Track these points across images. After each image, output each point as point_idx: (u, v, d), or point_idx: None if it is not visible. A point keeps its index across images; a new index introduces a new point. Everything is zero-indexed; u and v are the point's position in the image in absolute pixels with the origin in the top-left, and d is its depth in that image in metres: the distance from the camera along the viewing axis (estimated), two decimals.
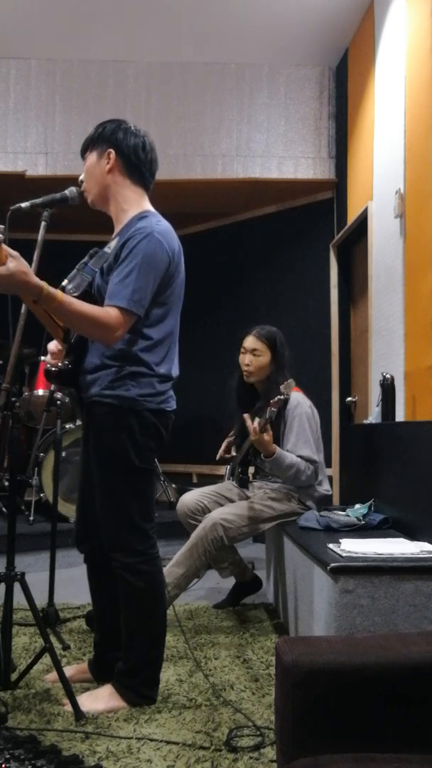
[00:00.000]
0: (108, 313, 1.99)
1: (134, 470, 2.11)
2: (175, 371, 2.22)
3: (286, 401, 2.88)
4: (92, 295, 2.14)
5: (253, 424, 2.89)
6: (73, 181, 2.28)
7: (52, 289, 1.90)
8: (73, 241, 5.29)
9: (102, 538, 2.16)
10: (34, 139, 5.09)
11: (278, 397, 2.81)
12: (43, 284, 1.89)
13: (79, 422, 4.42)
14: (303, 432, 3.05)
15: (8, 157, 5.06)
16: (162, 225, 2.13)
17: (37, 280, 1.88)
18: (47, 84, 5.10)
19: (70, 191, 2.18)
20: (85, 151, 2.26)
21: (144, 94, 5.13)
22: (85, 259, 2.26)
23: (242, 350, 3.24)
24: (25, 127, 5.09)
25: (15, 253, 1.84)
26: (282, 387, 2.83)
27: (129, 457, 2.09)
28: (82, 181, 2.24)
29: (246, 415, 2.96)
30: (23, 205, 2.09)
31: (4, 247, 1.81)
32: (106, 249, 2.19)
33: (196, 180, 5.11)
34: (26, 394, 4.82)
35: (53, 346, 2.29)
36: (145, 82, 5.13)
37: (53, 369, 2.20)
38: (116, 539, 2.13)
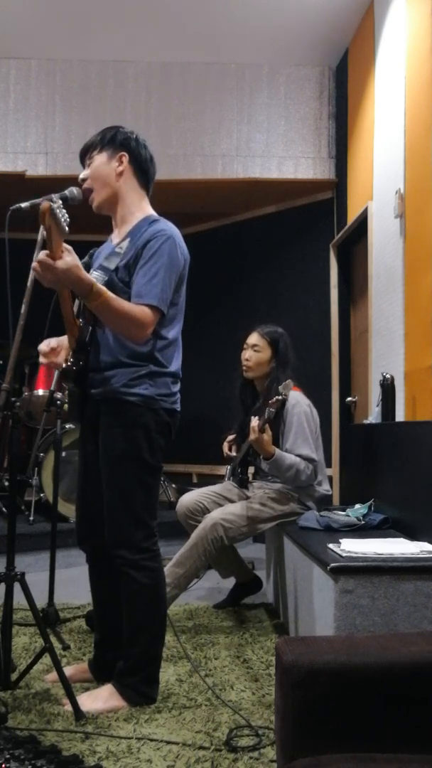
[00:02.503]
0: (143, 311, 2.04)
1: (146, 467, 2.14)
2: (180, 370, 2.26)
3: (284, 402, 2.88)
4: None
5: (252, 423, 2.89)
6: (73, 181, 2.27)
7: (100, 286, 1.96)
8: (73, 241, 5.28)
9: (106, 534, 2.16)
10: (34, 139, 5.09)
11: (276, 397, 2.81)
12: (93, 280, 1.94)
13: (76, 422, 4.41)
14: (302, 431, 3.05)
15: (8, 157, 5.06)
16: (176, 230, 2.20)
17: (87, 275, 1.93)
18: (47, 84, 5.10)
19: (70, 191, 2.18)
20: (85, 154, 2.25)
21: (144, 94, 5.13)
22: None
23: (244, 346, 3.27)
24: (25, 127, 5.09)
25: (69, 247, 1.89)
26: (280, 387, 2.83)
27: (142, 454, 2.12)
28: (83, 180, 2.24)
29: (254, 420, 2.95)
30: (23, 205, 2.09)
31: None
32: (117, 249, 2.20)
33: (196, 180, 5.10)
34: (26, 394, 4.82)
35: (45, 346, 2.26)
36: (145, 82, 5.13)
37: (73, 368, 2.16)
38: (122, 535, 2.13)
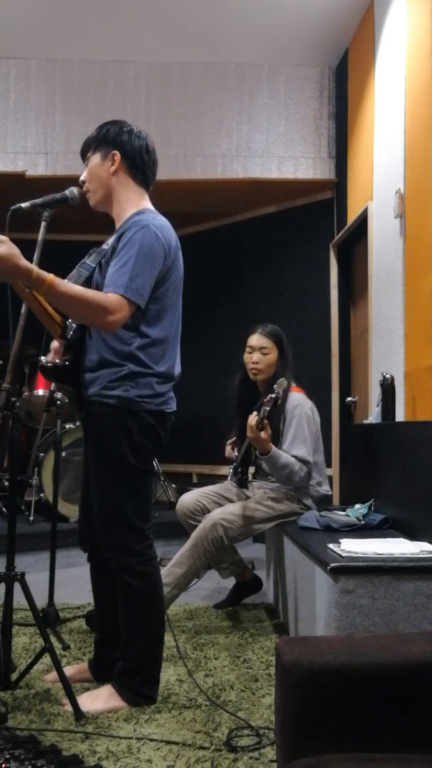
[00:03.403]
0: (106, 296, 1.98)
1: (131, 470, 2.11)
2: (177, 370, 2.22)
3: (276, 400, 2.87)
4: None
5: (249, 420, 2.89)
6: (73, 181, 2.27)
7: (42, 272, 1.88)
8: (73, 241, 5.29)
9: (98, 538, 2.16)
10: (34, 139, 5.09)
11: (270, 395, 2.80)
12: (33, 267, 1.87)
13: (78, 422, 4.41)
14: (300, 432, 3.05)
15: (8, 157, 5.06)
16: (159, 219, 2.14)
17: (26, 263, 1.86)
18: (47, 84, 5.10)
19: (71, 191, 2.18)
20: (85, 152, 2.25)
21: (144, 94, 5.13)
22: (85, 259, 2.27)
23: (248, 349, 3.24)
24: (25, 127, 5.09)
25: (4, 237, 1.84)
26: (275, 386, 2.83)
27: (126, 457, 2.10)
28: (83, 182, 2.24)
29: (251, 416, 2.94)
30: (23, 205, 2.09)
31: None
32: (104, 246, 2.20)
33: (196, 180, 5.10)
34: (26, 394, 4.82)
35: (56, 344, 2.29)
36: (145, 82, 5.12)
37: (48, 364, 2.20)
38: (113, 539, 2.13)
